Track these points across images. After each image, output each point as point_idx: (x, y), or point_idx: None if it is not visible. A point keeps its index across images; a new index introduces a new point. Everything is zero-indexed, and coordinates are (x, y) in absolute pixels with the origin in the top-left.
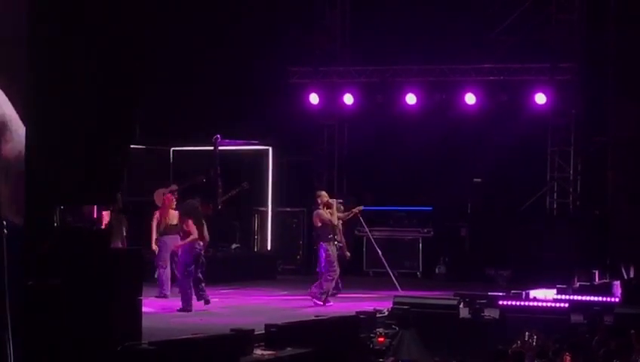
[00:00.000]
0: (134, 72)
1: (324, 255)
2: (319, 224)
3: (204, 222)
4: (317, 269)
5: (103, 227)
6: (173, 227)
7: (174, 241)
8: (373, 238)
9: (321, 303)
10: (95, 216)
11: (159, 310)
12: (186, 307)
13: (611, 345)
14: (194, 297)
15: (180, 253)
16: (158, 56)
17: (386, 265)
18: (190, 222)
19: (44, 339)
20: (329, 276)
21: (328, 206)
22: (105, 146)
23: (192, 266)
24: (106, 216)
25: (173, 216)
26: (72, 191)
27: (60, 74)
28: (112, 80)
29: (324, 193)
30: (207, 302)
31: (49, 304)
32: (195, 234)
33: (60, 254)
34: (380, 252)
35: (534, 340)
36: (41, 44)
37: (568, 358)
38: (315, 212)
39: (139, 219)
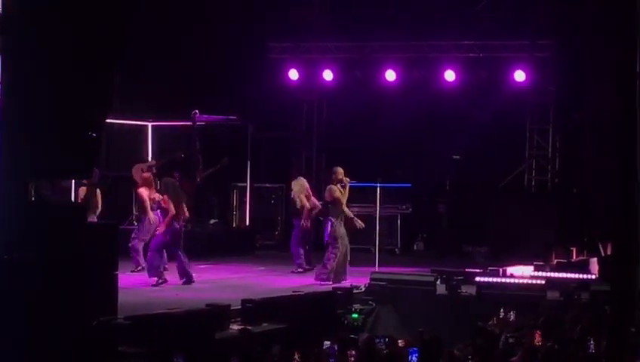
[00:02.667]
0: (110, 46)
1: (329, 229)
2: (329, 199)
3: (183, 199)
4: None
5: (79, 201)
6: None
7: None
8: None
9: (330, 282)
10: (71, 190)
11: (135, 284)
12: (159, 280)
13: (584, 321)
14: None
15: (159, 231)
16: (136, 30)
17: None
18: (166, 197)
19: (19, 314)
20: (332, 254)
21: (342, 183)
22: (81, 120)
23: (172, 247)
24: (81, 190)
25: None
26: (47, 166)
27: (34, 47)
28: (88, 54)
29: (340, 169)
30: (190, 281)
31: (24, 278)
32: (172, 212)
33: (35, 229)
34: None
35: (510, 317)
36: (15, 17)
37: (538, 335)
38: (328, 186)
39: (116, 194)
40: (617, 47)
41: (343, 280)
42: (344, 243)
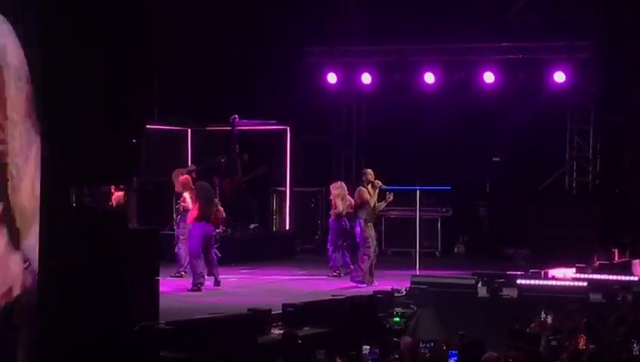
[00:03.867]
0: (149, 52)
1: (358, 230)
2: (358, 201)
3: (214, 203)
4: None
5: (118, 206)
6: None
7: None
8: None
9: (365, 284)
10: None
11: (176, 289)
12: (194, 286)
13: (628, 323)
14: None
15: (189, 233)
16: (174, 36)
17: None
18: (185, 196)
19: (62, 320)
20: (365, 255)
21: (373, 185)
22: (121, 127)
23: (201, 248)
24: (120, 195)
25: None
26: (88, 172)
27: (74, 52)
28: (127, 59)
29: (370, 171)
30: (217, 283)
31: (66, 285)
32: (190, 209)
33: (77, 234)
34: None
35: (550, 319)
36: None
37: (582, 339)
38: (358, 188)
39: (156, 200)
40: None
41: (370, 282)
42: (373, 244)
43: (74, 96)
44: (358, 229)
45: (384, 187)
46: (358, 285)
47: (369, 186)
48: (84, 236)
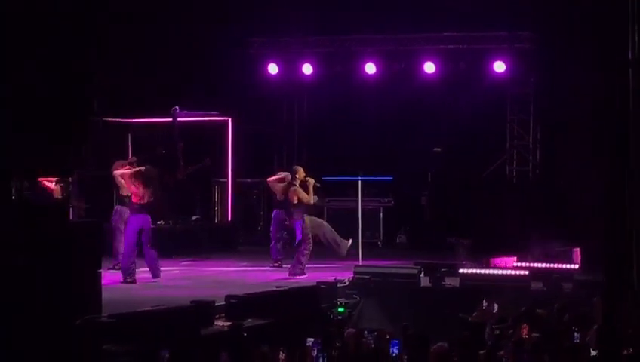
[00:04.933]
0: (89, 45)
1: (299, 231)
2: (295, 201)
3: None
4: (294, 244)
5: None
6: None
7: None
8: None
9: (306, 274)
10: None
11: (117, 282)
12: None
13: (569, 311)
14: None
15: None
16: (114, 29)
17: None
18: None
19: (2, 314)
20: (305, 251)
21: (305, 183)
22: (63, 119)
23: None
24: (59, 189)
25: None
26: (30, 165)
27: (13, 47)
28: (67, 53)
29: (301, 169)
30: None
31: (6, 278)
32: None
33: (17, 228)
34: None
35: (494, 308)
36: None
37: (525, 329)
38: (292, 188)
39: (97, 192)
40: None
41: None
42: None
43: (13, 90)
44: (298, 230)
45: (324, 178)
46: (297, 277)
47: (300, 185)
48: (24, 230)
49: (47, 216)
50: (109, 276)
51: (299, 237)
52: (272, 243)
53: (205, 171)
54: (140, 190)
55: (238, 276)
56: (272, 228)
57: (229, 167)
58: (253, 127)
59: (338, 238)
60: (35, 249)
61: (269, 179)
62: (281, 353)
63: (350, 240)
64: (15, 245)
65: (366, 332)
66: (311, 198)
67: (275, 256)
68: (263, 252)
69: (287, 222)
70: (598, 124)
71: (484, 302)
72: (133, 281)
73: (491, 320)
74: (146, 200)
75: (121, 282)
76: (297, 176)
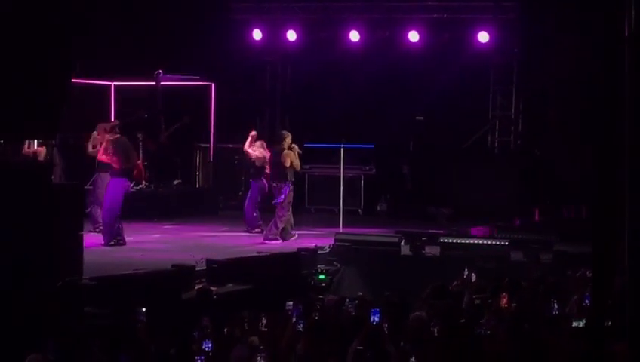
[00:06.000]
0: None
1: (285, 193)
2: (288, 165)
3: (134, 157)
4: (273, 202)
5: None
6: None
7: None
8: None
9: (280, 240)
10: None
11: (98, 245)
12: (115, 242)
13: (549, 280)
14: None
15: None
16: None
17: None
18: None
19: None
20: (283, 217)
21: (292, 148)
22: (44, 81)
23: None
24: (42, 151)
25: None
26: (11, 127)
27: None
28: (48, 15)
29: (289, 135)
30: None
31: None
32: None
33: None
34: None
35: (473, 277)
36: None
37: (505, 298)
38: (284, 151)
39: (79, 155)
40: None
41: (291, 237)
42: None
43: None
44: (286, 192)
45: (305, 145)
46: (271, 242)
47: (291, 149)
48: (6, 191)
49: (29, 177)
50: (90, 239)
51: (280, 199)
52: (250, 212)
53: (185, 130)
54: (118, 157)
55: (219, 241)
56: (249, 198)
57: (212, 132)
58: (236, 92)
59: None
60: (18, 211)
61: (245, 146)
62: (263, 318)
63: (296, 235)
64: None
65: (347, 300)
66: (299, 163)
67: (255, 222)
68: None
69: (274, 184)
70: (583, 95)
71: (465, 271)
72: (122, 242)
73: (470, 289)
74: (125, 166)
75: (106, 244)
76: (285, 141)
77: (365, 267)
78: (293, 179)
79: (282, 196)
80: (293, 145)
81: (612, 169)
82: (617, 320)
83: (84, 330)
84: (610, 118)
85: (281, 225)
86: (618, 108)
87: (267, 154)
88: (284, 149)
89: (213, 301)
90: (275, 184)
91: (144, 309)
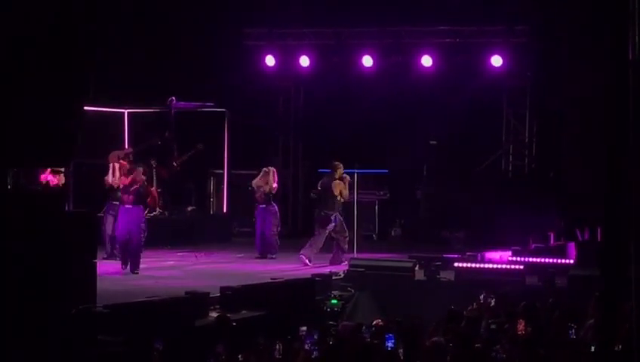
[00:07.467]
0: (86, 34)
1: (335, 223)
2: (338, 196)
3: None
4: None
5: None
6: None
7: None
8: None
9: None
10: (47, 178)
11: (112, 272)
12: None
13: (563, 306)
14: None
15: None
16: (113, 17)
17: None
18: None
19: None
20: (346, 238)
21: (342, 179)
22: (58, 108)
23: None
24: (55, 178)
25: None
26: (25, 154)
27: (7, 36)
28: (63, 42)
29: (341, 165)
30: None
31: (2, 268)
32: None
33: (13, 217)
34: None
35: (491, 302)
36: None
37: (522, 324)
38: (335, 181)
39: (93, 182)
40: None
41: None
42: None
43: (10, 79)
44: (337, 221)
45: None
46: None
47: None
48: (21, 219)
49: (43, 205)
50: (104, 266)
51: (329, 228)
52: (262, 237)
53: (199, 157)
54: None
55: (233, 267)
56: (259, 223)
57: (225, 159)
58: (249, 119)
59: (346, 248)
60: (32, 238)
61: (254, 181)
62: (278, 343)
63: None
64: (11, 234)
65: (364, 327)
66: (347, 194)
67: (272, 249)
68: None
69: (322, 214)
70: (596, 119)
71: (482, 296)
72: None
73: (487, 314)
74: (138, 191)
75: (132, 272)
76: (337, 171)
77: (380, 292)
78: (340, 209)
79: (332, 224)
80: (345, 175)
81: (623, 192)
82: (627, 344)
83: (97, 358)
84: (623, 140)
85: (346, 248)
86: (631, 131)
87: (275, 185)
88: (335, 179)
89: (224, 328)
90: (323, 214)
91: (160, 338)
